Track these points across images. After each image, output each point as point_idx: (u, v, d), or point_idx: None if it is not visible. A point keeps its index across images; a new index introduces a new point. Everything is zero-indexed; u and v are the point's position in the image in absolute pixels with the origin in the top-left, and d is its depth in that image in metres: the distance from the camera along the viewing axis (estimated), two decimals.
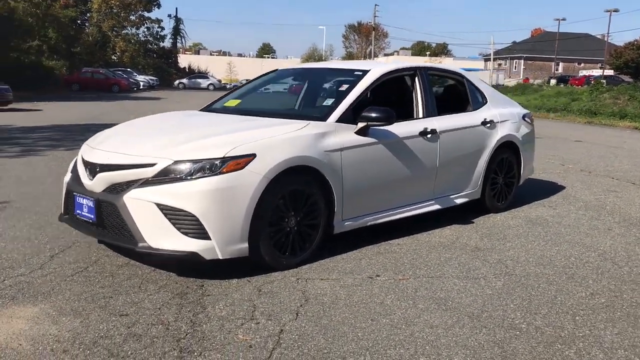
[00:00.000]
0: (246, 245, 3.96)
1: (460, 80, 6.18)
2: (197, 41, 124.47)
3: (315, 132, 4.42)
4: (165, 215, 3.79)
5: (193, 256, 3.84)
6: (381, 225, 5.03)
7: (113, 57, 55.67)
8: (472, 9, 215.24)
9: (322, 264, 4.37)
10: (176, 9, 77.30)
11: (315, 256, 4.47)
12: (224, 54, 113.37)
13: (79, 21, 54.18)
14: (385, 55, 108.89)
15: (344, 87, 5.07)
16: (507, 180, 6.44)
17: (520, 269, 4.43)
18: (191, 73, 62.16)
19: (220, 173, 3.85)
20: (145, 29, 58.11)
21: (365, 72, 5.21)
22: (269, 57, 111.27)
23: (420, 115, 5.44)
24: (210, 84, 55.27)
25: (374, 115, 4.63)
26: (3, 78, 23.44)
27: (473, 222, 5.84)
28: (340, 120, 4.66)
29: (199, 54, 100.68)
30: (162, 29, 59.10)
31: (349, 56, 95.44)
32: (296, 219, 4.29)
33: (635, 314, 3.64)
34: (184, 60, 68.23)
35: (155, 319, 3.35)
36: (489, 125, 6.03)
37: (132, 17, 56.16)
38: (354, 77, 5.18)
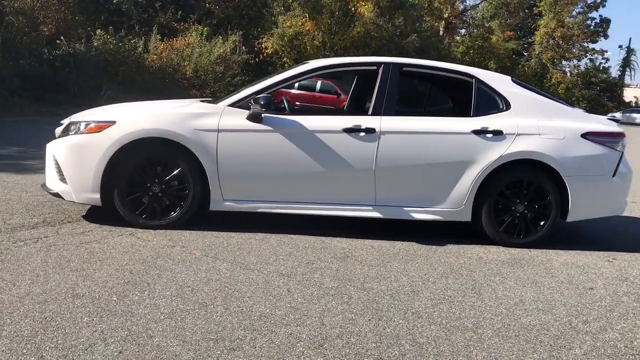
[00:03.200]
0: (98, 196, 4.76)
1: (468, 81, 5.19)
2: None
3: (190, 111, 4.84)
4: (54, 161, 4.95)
5: (57, 196, 4.89)
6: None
7: (549, 87, 55.52)
8: None
9: (174, 233, 4.75)
10: (629, 39, 71.11)
11: (188, 226, 4.86)
12: None
13: (525, 53, 56.15)
14: None
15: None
16: (536, 211, 5.06)
17: (305, 276, 3.90)
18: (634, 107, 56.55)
19: (82, 133, 4.78)
20: (588, 60, 55.92)
21: (304, 64, 5.18)
22: None
23: (369, 112, 5.01)
24: None
25: (256, 102, 4.72)
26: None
27: (438, 246, 4.94)
28: (238, 105, 4.89)
29: None
30: (607, 60, 55.76)
31: None
32: (160, 186, 4.82)
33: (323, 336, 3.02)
34: (632, 94, 62.47)
35: None
36: (489, 135, 4.93)
37: (574, 50, 54.78)
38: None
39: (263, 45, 29.00)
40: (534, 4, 52.82)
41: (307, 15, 29.38)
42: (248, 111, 4.80)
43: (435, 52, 34.83)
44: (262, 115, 4.77)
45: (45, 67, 19.58)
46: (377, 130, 4.86)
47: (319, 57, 29.76)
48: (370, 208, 4.97)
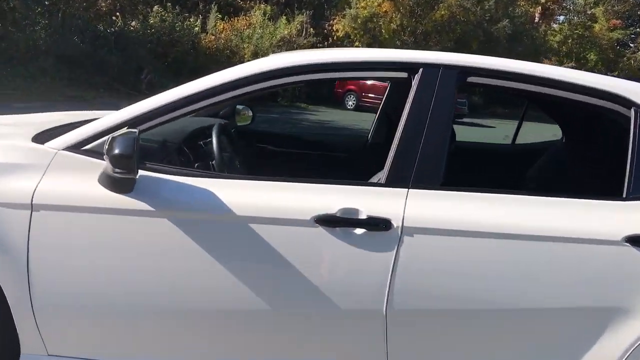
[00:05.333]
0: None
1: (617, 111, 2.24)
2: None
3: None
4: None
5: None
6: None
7: None
8: None
9: None
10: None
11: None
12: None
13: (632, 44, 50.52)
14: None
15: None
16: None
17: None
18: None
19: None
20: None
21: (258, 62, 2.37)
22: None
23: (384, 178, 2.17)
24: None
25: (110, 149, 1.99)
26: None
27: None
28: (84, 150, 2.19)
29: None
30: None
31: None
32: None
33: None
34: None
35: None
36: None
37: None
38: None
39: (334, 28, 26.15)
40: None
41: None
42: (105, 163, 2.10)
43: (529, 41, 30.83)
44: (133, 176, 2.04)
45: (84, 46, 17.66)
46: (394, 224, 2.05)
47: (395, 43, 26.63)
48: None
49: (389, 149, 2.22)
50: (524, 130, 3.66)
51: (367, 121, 14.80)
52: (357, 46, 26.06)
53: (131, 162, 1.93)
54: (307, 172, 2.36)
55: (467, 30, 27.57)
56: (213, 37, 22.46)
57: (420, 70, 2.23)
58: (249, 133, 3.70)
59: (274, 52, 22.61)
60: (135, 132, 2.02)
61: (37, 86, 15.41)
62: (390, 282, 2.06)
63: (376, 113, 3.89)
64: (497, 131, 15.67)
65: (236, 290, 2.09)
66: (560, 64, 39.16)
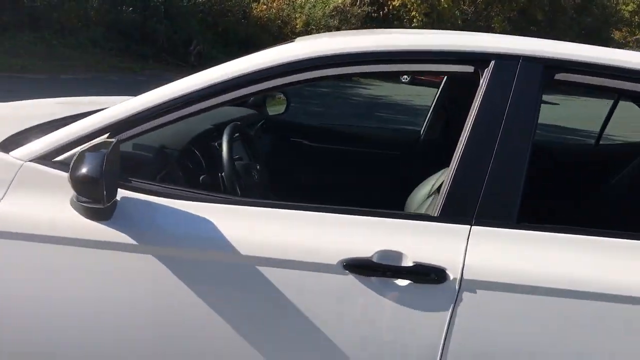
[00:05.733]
0: None
1: None
2: None
3: None
4: None
5: None
6: None
7: None
8: None
9: None
10: None
11: None
12: None
13: None
14: None
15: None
16: None
17: None
18: None
19: None
20: None
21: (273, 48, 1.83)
22: None
23: (437, 210, 1.62)
24: None
25: (78, 163, 1.51)
26: None
27: None
28: (55, 162, 1.71)
29: None
30: None
31: None
32: None
33: None
34: None
35: None
36: None
37: None
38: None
39: None
40: None
41: None
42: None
43: (599, 11, 29.00)
44: (100, 205, 1.54)
45: (135, 16, 17.37)
46: (450, 275, 1.51)
47: (453, 13, 25.44)
48: None
49: (444, 153, 1.68)
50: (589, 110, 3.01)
51: (421, 96, 14.15)
52: (413, 16, 25.06)
53: (97, 188, 1.45)
54: (342, 178, 1.83)
55: (532, 0, 26.10)
56: (264, 6, 21.93)
57: (492, 63, 1.65)
58: (281, 126, 3.19)
59: (326, 22, 21.95)
60: (112, 143, 1.54)
61: (87, 57, 15.29)
62: (442, 352, 1.53)
63: (436, 90, 3.28)
64: (561, 110, 14.72)
65: (240, 349, 1.61)
66: (631, 35, 36.94)
